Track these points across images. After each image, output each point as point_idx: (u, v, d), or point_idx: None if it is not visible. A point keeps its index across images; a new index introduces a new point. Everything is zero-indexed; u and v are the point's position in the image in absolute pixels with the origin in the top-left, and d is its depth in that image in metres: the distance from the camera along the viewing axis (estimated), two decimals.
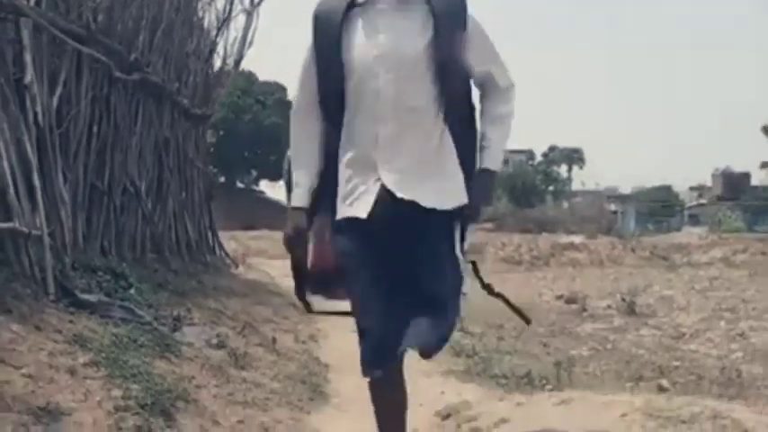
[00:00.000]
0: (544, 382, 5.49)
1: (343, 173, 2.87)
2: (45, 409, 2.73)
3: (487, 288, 3.07)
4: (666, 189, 68.91)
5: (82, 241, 5.79)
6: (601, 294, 14.90)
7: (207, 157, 11.54)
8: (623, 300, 11.66)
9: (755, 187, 63.95)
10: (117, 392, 3.20)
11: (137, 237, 7.26)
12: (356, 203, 2.83)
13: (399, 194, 2.77)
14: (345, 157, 2.87)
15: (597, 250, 32.39)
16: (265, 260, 17.22)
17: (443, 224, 2.86)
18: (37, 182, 4.68)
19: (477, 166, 2.95)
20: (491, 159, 2.95)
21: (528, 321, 3.30)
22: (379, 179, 2.79)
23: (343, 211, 2.87)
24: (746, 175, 66.14)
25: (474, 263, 3.04)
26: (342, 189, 2.88)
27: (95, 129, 6.26)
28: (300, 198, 2.97)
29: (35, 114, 5.02)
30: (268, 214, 34.01)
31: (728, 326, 11.20)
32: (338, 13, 2.82)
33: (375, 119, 2.78)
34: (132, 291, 5.37)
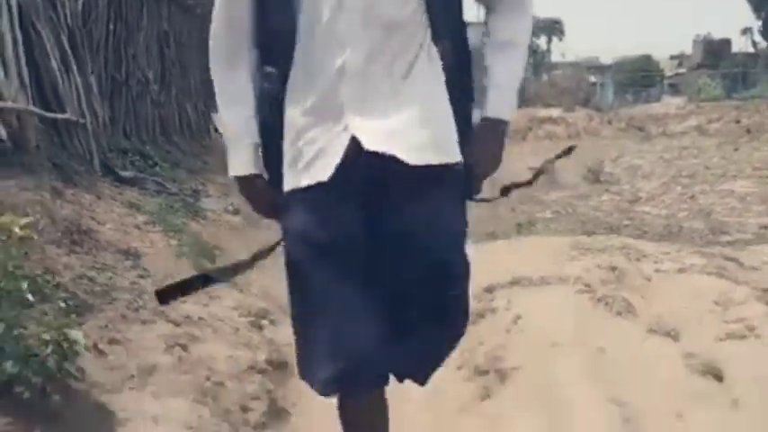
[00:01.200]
0: (506, 237, 6.55)
1: (292, 126, 1.99)
2: (128, 252, 3.75)
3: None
4: (646, 59, 68.86)
5: (110, 127, 6.72)
6: (572, 165, 15.98)
7: (202, 46, 12.26)
8: (589, 170, 12.66)
9: (735, 54, 64.18)
10: (173, 242, 4.22)
11: (149, 122, 8.19)
12: (313, 165, 1.94)
13: (375, 147, 1.89)
14: (296, 104, 1.98)
15: (575, 123, 33.30)
16: None
17: (437, 188, 1.99)
18: (78, 78, 5.57)
19: (480, 113, 2.09)
20: (500, 104, 2.07)
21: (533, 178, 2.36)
22: (345, 128, 1.92)
23: (294, 178, 1.98)
24: (727, 42, 65.96)
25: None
26: (289, 150, 1.99)
27: (112, 27, 7.09)
28: (248, 161, 2.07)
29: (65, 17, 5.85)
30: None
31: (683, 190, 12.35)
32: None
33: (338, 41, 1.92)
34: (158, 168, 6.37)
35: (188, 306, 3.41)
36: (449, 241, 2.04)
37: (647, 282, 3.98)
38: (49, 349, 2.34)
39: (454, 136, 2.03)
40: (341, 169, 1.90)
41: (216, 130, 12.25)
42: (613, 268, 3.98)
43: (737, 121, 33.64)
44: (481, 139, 2.06)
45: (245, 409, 2.87)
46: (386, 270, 1.99)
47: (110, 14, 7.07)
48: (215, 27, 2.04)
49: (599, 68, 70.81)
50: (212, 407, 2.78)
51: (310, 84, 1.96)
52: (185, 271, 3.93)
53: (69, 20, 5.93)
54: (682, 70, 63.75)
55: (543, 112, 34.09)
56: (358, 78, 1.92)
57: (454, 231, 2.06)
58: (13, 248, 2.32)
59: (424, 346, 2.10)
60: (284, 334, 3.41)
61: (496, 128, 2.07)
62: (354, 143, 1.90)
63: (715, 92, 48.41)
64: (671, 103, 44.45)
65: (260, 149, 2.08)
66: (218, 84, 2.08)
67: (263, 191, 2.09)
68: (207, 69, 2.19)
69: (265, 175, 2.09)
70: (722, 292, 3.83)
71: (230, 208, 6.02)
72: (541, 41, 78.93)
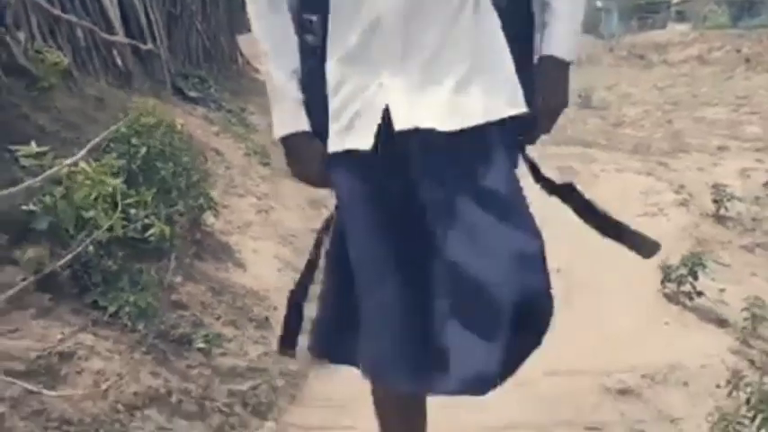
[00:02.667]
0: None
1: (332, 75, 1.83)
2: (216, 150, 5.17)
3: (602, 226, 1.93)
4: None
5: (171, 55, 8.08)
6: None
7: None
8: (580, 96, 13.91)
9: None
10: (241, 146, 5.65)
11: (197, 50, 9.52)
12: (353, 127, 1.79)
13: (406, 124, 1.69)
14: (334, 55, 1.81)
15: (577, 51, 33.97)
16: None
17: (495, 147, 1.73)
18: (152, 13, 6.92)
19: (539, 52, 1.84)
20: (561, 42, 1.82)
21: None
22: (380, 85, 1.75)
23: (336, 139, 1.81)
24: None
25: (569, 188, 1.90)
26: (331, 102, 1.83)
27: None
28: (294, 118, 1.85)
29: None
30: None
31: (663, 116, 13.68)
32: None
33: None
34: (212, 90, 7.75)
35: (263, 187, 4.86)
36: (515, 216, 1.71)
37: (594, 177, 5.43)
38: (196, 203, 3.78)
39: (514, 82, 1.77)
40: (383, 134, 1.71)
41: (241, 54, 13.56)
42: (569, 167, 5.42)
43: (738, 51, 34.44)
44: (547, 77, 1.80)
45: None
46: (437, 254, 1.72)
47: None
48: None
49: None
50: (289, 248, 4.25)
51: (346, 34, 1.77)
52: (254, 167, 5.37)
53: None
54: None
55: None
56: (396, 27, 1.72)
57: (518, 202, 1.74)
58: (176, 137, 3.69)
59: (484, 347, 1.68)
60: None
61: (561, 66, 1.82)
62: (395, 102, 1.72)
63: (720, 19, 48.80)
64: (676, 30, 45.06)
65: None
66: (259, 29, 1.86)
67: (312, 150, 1.85)
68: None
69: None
70: (647, 185, 5.28)
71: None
72: None
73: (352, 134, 1.77)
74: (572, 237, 4.49)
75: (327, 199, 5.34)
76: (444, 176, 1.72)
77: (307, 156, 1.87)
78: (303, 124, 1.85)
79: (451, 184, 1.72)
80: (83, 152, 2.94)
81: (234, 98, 8.47)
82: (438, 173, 1.72)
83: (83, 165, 2.82)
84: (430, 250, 1.75)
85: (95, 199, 2.80)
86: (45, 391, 2.26)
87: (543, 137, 1.86)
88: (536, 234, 1.72)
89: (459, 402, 1.80)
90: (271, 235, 4.26)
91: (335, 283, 1.89)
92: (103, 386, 2.43)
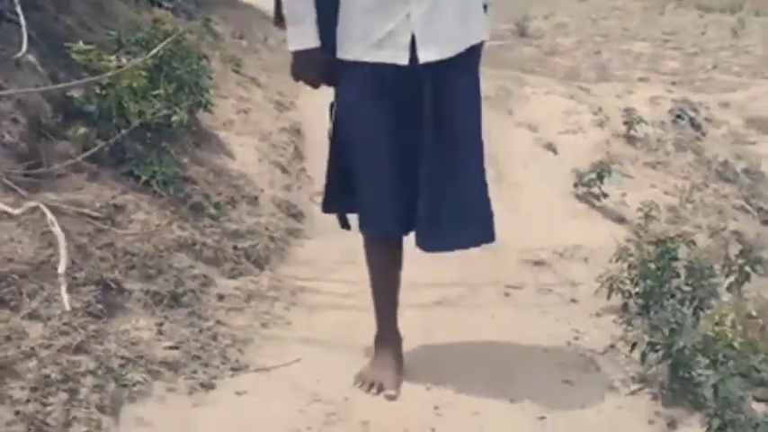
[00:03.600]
0: None
1: (357, 2, 2.26)
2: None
3: None
4: None
5: None
6: (503, 19, 17.93)
7: None
8: (517, 25, 14.59)
9: None
10: (216, 53, 6.30)
11: None
12: (383, 46, 2.25)
13: (430, 57, 2.28)
14: None
15: None
16: None
17: (471, 64, 2.48)
18: None
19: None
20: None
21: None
22: (408, 15, 2.22)
23: (366, 50, 2.28)
24: None
25: None
26: (357, 22, 2.28)
27: None
28: (309, 34, 2.33)
29: None
30: None
31: (593, 47, 14.53)
32: None
33: None
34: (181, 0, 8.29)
35: (239, 91, 5.57)
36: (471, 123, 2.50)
37: (525, 98, 6.27)
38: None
39: (480, 16, 2.46)
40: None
41: None
42: (504, 87, 6.24)
43: None
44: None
45: (284, 147, 5.10)
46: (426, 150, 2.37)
47: None
48: None
49: None
50: (266, 143, 5.00)
51: None
52: (229, 73, 6.05)
53: None
54: None
55: None
56: None
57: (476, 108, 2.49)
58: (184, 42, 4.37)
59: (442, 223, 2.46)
60: (299, 114, 5.64)
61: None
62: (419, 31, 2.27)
63: None
64: None
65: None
66: None
67: (323, 61, 2.38)
68: None
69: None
70: (570, 107, 6.15)
71: (237, 34, 8.03)
72: None
73: (385, 49, 2.29)
74: (507, 148, 5.35)
75: (292, 103, 6.04)
76: (441, 88, 2.32)
77: (314, 64, 2.39)
78: (315, 41, 2.36)
79: (444, 101, 2.33)
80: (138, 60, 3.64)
81: (198, 9, 9.00)
82: (437, 85, 2.31)
83: (124, 60, 3.53)
84: (418, 146, 2.37)
85: (132, 91, 3.52)
86: (113, 229, 3.02)
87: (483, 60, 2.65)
88: (482, 158, 2.51)
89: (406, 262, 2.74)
90: (251, 131, 4.99)
91: (337, 155, 2.54)
92: (149, 231, 3.20)
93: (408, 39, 2.27)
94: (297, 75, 2.50)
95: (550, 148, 5.57)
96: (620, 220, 4.89)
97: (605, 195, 4.90)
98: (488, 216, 2.55)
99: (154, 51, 3.49)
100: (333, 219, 2.82)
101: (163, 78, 3.82)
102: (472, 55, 2.43)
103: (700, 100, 7.18)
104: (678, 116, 6.44)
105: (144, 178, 3.50)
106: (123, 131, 3.43)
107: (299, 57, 2.42)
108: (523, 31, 14.76)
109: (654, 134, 6.19)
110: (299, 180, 4.94)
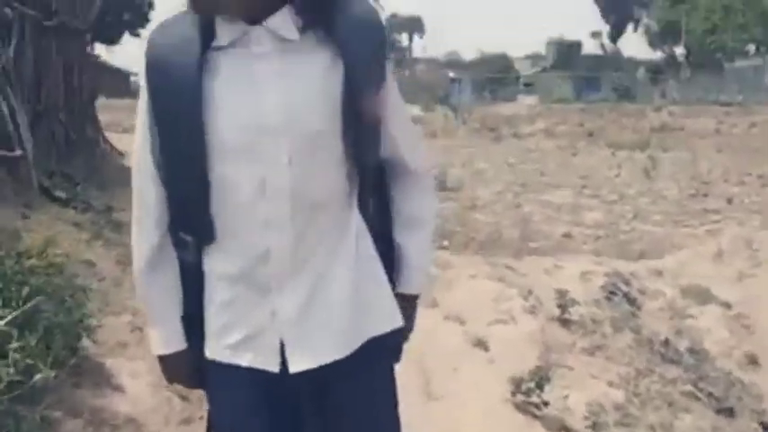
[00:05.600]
0: None
1: (218, 286, 1.85)
2: (88, 262, 5.28)
3: None
4: (503, 57, 71.16)
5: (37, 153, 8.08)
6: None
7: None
8: (435, 178, 14.47)
9: (587, 56, 68.10)
10: (114, 252, 5.77)
11: (61, 144, 9.50)
12: (249, 348, 1.83)
13: (301, 366, 1.80)
14: (219, 276, 1.83)
15: (432, 122, 35.41)
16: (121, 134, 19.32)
17: (378, 358, 1.93)
18: (18, 116, 6.97)
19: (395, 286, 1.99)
20: (410, 279, 2.01)
21: None
22: (273, 313, 1.80)
23: (228, 352, 1.85)
24: (578, 45, 69.39)
25: None
26: (215, 319, 1.86)
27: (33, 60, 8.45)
28: (173, 337, 1.91)
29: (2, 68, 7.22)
30: (107, 81, 33.73)
31: (514, 199, 14.54)
32: (191, 58, 1.68)
33: (263, 225, 1.76)
34: (79, 188, 7.79)
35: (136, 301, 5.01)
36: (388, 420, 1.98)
37: (449, 283, 5.86)
38: None
39: (389, 302, 1.92)
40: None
41: (104, 139, 13.52)
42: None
43: (581, 125, 37.00)
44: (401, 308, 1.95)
45: None
46: None
47: (33, 52, 8.40)
48: (136, 215, 1.87)
49: (460, 65, 73.80)
50: None
51: (233, 259, 1.79)
52: (127, 276, 5.50)
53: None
54: (536, 69, 67.17)
55: None
56: (285, 262, 1.77)
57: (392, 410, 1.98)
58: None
59: None
60: None
61: (411, 301, 2.03)
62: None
63: (565, 93, 51.93)
64: (524, 103, 47.65)
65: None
66: (142, 290, 1.90)
67: (189, 364, 1.93)
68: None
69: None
70: (498, 292, 5.75)
71: None
72: (403, 38, 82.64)
73: (251, 351, 1.82)
74: (434, 348, 4.87)
75: None
76: (327, 402, 1.86)
77: (185, 368, 1.95)
78: (181, 343, 1.92)
79: (332, 417, 1.87)
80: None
81: (101, 194, 8.49)
82: (322, 398, 1.86)
83: None
84: None
85: None
86: None
87: None
88: None
89: None
90: (146, 353, 4.40)
91: None
92: None
93: (277, 341, 1.81)
94: (170, 379, 2.03)
95: (481, 344, 5.11)
96: (565, 429, 4.40)
97: (546, 404, 4.42)
98: None
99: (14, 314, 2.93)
100: None
101: (26, 328, 3.25)
102: (379, 347, 1.88)
103: (631, 270, 6.90)
104: (612, 292, 6.12)
105: None
106: None
107: (167, 361, 1.95)
108: (443, 183, 14.69)
109: (588, 314, 5.83)
110: (202, 407, 4.34)
